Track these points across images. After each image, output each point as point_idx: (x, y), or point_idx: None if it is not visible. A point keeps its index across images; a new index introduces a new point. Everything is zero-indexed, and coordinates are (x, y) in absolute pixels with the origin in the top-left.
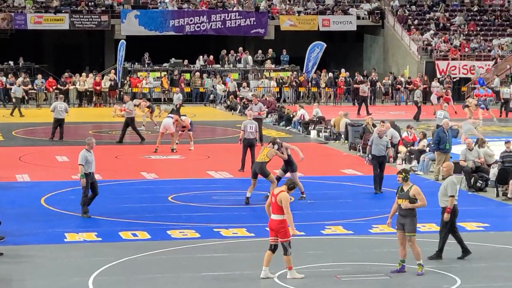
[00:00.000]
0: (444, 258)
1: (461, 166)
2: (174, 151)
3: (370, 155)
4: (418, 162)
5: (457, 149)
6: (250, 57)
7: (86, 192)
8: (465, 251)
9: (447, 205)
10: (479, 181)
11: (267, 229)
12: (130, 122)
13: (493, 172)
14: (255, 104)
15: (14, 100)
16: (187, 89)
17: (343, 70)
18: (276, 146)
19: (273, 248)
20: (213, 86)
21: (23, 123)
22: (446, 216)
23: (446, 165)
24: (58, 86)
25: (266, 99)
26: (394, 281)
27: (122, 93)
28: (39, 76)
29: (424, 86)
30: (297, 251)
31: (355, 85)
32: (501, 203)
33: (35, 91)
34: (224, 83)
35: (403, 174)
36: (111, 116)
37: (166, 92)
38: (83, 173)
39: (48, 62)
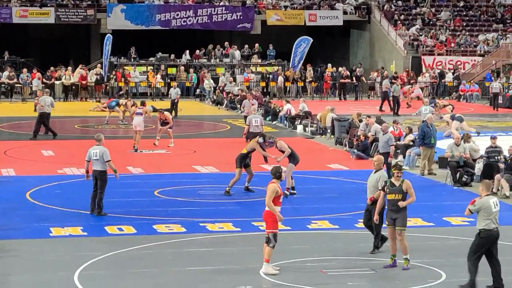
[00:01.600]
0: (429, 252)
1: (447, 161)
2: (136, 150)
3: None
4: (404, 157)
5: (442, 144)
6: (237, 52)
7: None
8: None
9: (374, 196)
10: (465, 176)
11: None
12: (45, 117)
13: (478, 167)
14: (249, 100)
15: None
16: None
17: (329, 65)
18: (261, 139)
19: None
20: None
21: (8, 117)
22: (368, 202)
23: (377, 158)
24: (44, 80)
25: (252, 93)
26: (379, 275)
27: (107, 87)
28: (25, 70)
29: (412, 81)
30: (283, 246)
31: (342, 80)
32: None
33: (20, 85)
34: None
35: (398, 169)
36: (88, 110)
37: (152, 86)
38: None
39: (33, 56)
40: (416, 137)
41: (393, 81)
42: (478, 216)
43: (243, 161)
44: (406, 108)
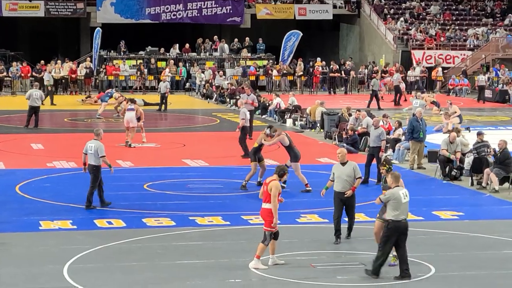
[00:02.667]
0: (418, 247)
1: (438, 155)
2: (130, 145)
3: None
4: (393, 151)
5: (431, 138)
6: (226, 46)
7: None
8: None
9: (354, 186)
10: (454, 170)
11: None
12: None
13: (468, 161)
14: (248, 95)
15: None
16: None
17: (318, 59)
18: (268, 130)
19: (274, 236)
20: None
21: None
22: (350, 193)
23: (340, 150)
24: (33, 73)
25: (242, 87)
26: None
27: (97, 80)
28: (14, 63)
29: (401, 75)
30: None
31: (331, 74)
32: (475, 192)
33: (10, 79)
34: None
35: (387, 166)
36: (78, 103)
37: (142, 80)
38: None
39: (23, 49)
40: (405, 131)
41: (383, 75)
42: (387, 207)
43: (257, 154)
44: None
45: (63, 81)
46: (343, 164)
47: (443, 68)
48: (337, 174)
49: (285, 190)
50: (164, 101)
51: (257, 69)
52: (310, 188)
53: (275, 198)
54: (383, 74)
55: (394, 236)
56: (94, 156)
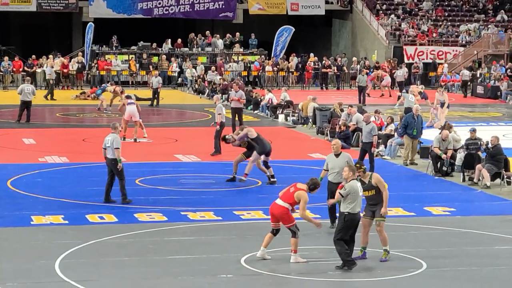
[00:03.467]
0: (410, 242)
1: (430, 150)
2: (137, 141)
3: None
4: (385, 147)
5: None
6: (219, 41)
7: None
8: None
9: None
10: (444, 166)
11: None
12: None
13: (460, 157)
14: (236, 91)
15: None
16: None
17: (311, 54)
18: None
19: (275, 232)
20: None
21: None
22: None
23: (335, 142)
24: (25, 68)
25: (235, 83)
26: (360, 265)
27: (89, 75)
28: (6, 58)
29: (393, 71)
30: (264, 235)
31: (324, 70)
32: (467, 187)
33: (1, 73)
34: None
35: (362, 168)
36: (72, 99)
37: (134, 75)
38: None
39: (15, 44)
40: (398, 127)
41: (375, 71)
42: (343, 200)
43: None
44: (380, 98)
45: (55, 75)
46: (337, 155)
47: (435, 65)
48: (331, 165)
49: (277, 186)
50: (156, 96)
51: (249, 64)
52: (245, 179)
53: (305, 210)
54: (375, 70)
55: (351, 228)
56: (111, 149)
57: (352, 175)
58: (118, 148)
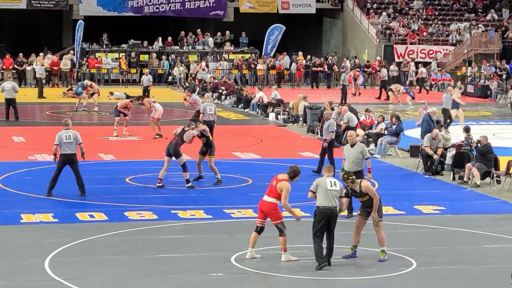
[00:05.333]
0: (400, 241)
1: (420, 149)
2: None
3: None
4: (375, 145)
5: (413, 133)
6: (210, 39)
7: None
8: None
9: (369, 167)
10: (434, 165)
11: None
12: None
13: (450, 155)
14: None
15: None
16: (146, 70)
17: (300, 53)
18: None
19: (259, 230)
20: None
21: None
22: (370, 176)
23: (351, 133)
24: (15, 66)
25: (225, 81)
26: (350, 263)
27: (79, 74)
28: None
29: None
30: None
31: (314, 68)
32: (457, 186)
33: None
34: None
35: (350, 178)
36: (60, 96)
37: (124, 73)
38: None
39: (5, 41)
40: (388, 126)
41: (365, 69)
42: (317, 195)
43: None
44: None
45: (46, 73)
46: (352, 146)
47: (425, 64)
48: (346, 155)
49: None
50: (146, 94)
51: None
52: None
53: (286, 199)
54: (365, 69)
55: (321, 221)
56: (73, 145)
57: (327, 172)
58: (82, 143)
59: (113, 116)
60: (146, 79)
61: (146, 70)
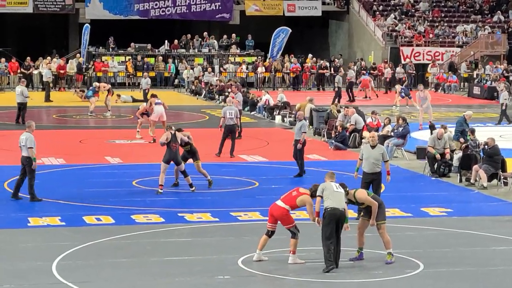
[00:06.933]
0: (406, 243)
1: (426, 152)
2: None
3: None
4: None
5: (420, 134)
6: (215, 42)
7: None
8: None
9: (388, 170)
10: (442, 166)
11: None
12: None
13: (457, 157)
14: (235, 94)
15: None
16: (152, 74)
17: (310, 55)
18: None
19: (270, 234)
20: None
21: None
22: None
23: (373, 134)
24: (22, 69)
25: (231, 84)
26: (357, 266)
27: (86, 77)
28: (2, 59)
29: (391, 71)
30: (261, 236)
31: (320, 71)
32: (464, 188)
33: None
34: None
35: (345, 189)
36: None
37: (130, 76)
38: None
39: (11, 45)
40: (394, 128)
41: (371, 72)
42: (324, 198)
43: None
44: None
45: (53, 77)
46: (373, 147)
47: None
48: (366, 156)
49: (276, 187)
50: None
51: (247, 66)
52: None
53: (312, 215)
54: (371, 71)
55: (330, 224)
56: (25, 148)
57: (329, 179)
58: (32, 148)
59: (120, 120)
60: (145, 82)
61: (144, 73)
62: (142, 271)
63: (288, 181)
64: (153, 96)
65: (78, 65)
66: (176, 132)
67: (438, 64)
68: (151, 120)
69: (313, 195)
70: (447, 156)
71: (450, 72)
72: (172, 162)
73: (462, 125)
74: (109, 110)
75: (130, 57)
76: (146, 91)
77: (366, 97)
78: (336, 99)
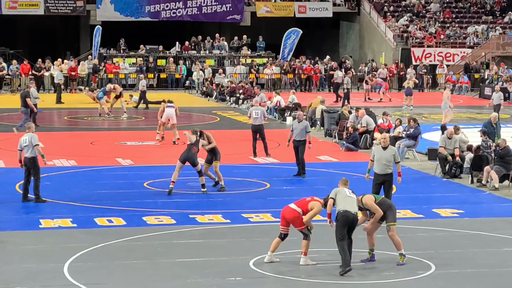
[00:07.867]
0: (418, 244)
1: (438, 152)
2: (176, 143)
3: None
4: None
5: (431, 136)
6: (226, 43)
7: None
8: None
9: (399, 171)
10: (454, 167)
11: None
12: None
13: (468, 158)
14: (258, 95)
15: None
16: (163, 75)
17: (328, 57)
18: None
19: (283, 237)
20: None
21: None
22: (400, 179)
23: (384, 135)
24: (33, 71)
25: (242, 85)
26: (368, 267)
27: (97, 79)
28: (14, 61)
29: (401, 73)
30: (273, 237)
31: (331, 72)
32: (476, 189)
33: (9, 77)
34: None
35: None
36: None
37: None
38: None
39: (22, 47)
40: (406, 129)
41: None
42: (337, 201)
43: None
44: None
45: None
46: (384, 148)
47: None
48: (377, 157)
49: (286, 188)
50: (142, 98)
51: (257, 67)
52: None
53: (310, 218)
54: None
55: (344, 226)
56: (29, 148)
57: (342, 185)
58: (38, 144)
59: (130, 121)
60: (141, 83)
61: (140, 75)
62: (153, 273)
63: (299, 182)
64: (168, 101)
65: (94, 66)
66: (200, 138)
67: (449, 65)
68: (160, 121)
69: (324, 203)
70: (456, 153)
71: (461, 73)
72: (187, 163)
73: (486, 127)
74: (125, 112)
75: (141, 59)
76: (143, 91)
77: (380, 99)
78: (346, 100)
